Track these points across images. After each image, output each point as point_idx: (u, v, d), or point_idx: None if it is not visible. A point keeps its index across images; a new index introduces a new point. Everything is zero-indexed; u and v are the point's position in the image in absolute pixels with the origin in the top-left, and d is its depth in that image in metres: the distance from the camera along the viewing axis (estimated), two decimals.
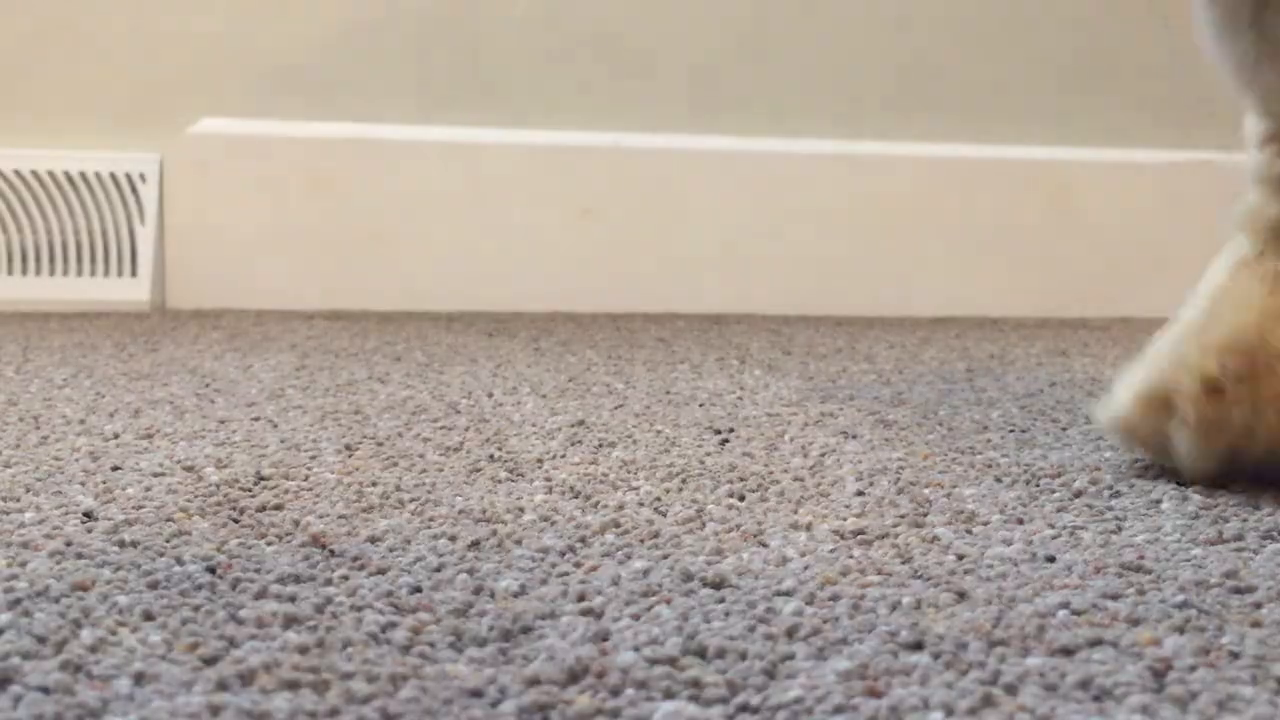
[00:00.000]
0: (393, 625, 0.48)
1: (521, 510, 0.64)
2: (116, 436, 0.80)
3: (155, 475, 0.70)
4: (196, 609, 0.50)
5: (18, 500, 0.65)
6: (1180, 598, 0.52)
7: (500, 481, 0.71)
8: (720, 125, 1.66)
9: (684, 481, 0.71)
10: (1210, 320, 0.69)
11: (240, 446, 0.78)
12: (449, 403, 0.95)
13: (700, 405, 0.95)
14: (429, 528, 0.61)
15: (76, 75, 1.55)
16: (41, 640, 0.46)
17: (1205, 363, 0.68)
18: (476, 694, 0.43)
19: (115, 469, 0.72)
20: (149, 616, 0.49)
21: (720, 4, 1.65)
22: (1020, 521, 0.64)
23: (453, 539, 0.59)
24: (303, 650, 0.46)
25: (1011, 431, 0.87)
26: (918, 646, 0.47)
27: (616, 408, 0.94)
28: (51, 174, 1.54)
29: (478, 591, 0.52)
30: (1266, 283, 0.71)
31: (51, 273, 1.54)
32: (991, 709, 0.42)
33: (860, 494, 0.69)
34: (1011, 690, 0.43)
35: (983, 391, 1.04)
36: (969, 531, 0.62)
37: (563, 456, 0.77)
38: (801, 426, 0.88)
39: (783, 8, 1.66)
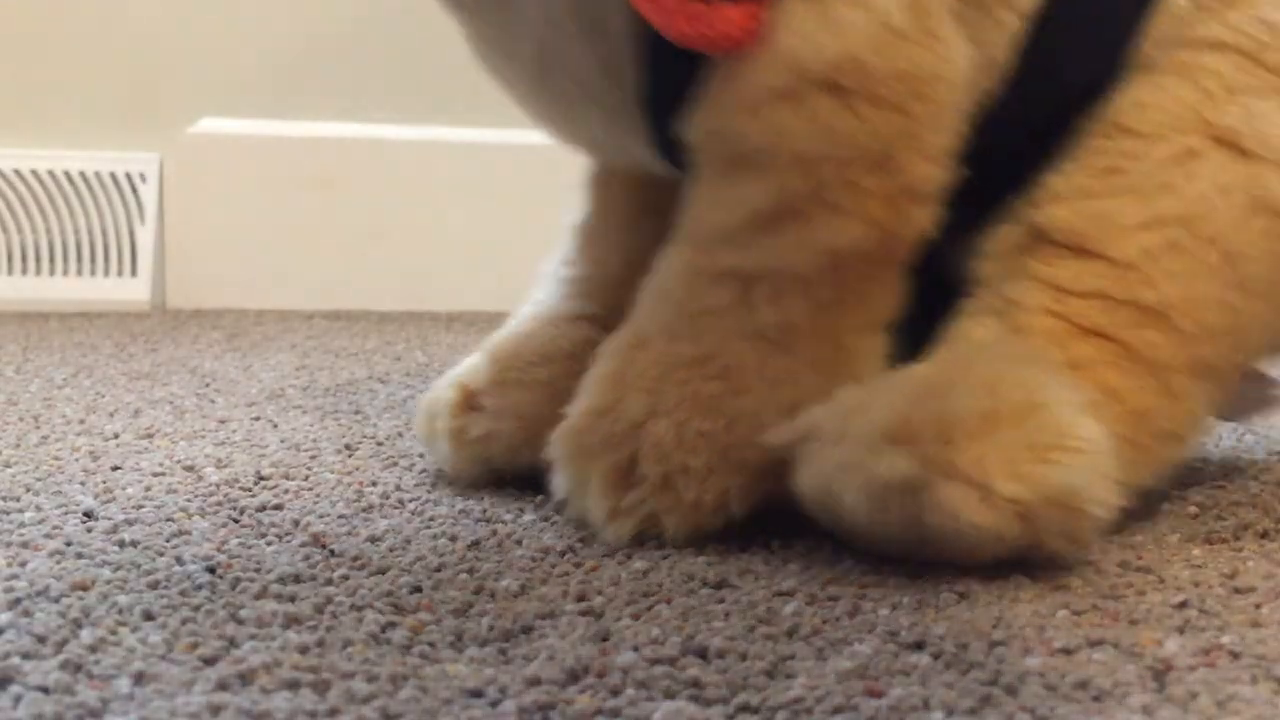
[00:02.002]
0: (393, 625, 0.48)
1: (522, 510, 0.64)
2: (116, 436, 0.80)
3: (155, 475, 0.70)
4: (196, 609, 0.50)
5: (18, 500, 0.65)
6: (1180, 598, 0.52)
7: (500, 482, 0.71)
8: None
9: None
10: (500, 332, 0.72)
11: (240, 446, 0.78)
12: None
13: None
14: (429, 528, 0.61)
15: (76, 75, 1.55)
16: (42, 640, 0.46)
17: (464, 372, 0.70)
18: (477, 694, 0.43)
19: (115, 469, 0.72)
20: (149, 616, 0.49)
21: None
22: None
23: (453, 539, 0.59)
24: (303, 650, 0.46)
25: None
26: (918, 646, 0.47)
27: None
28: (51, 174, 1.54)
29: (478, 591, 0.52)
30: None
31: (51, 273, 1.54)
32: (992, 709, 0.42)
33: None
34: (1011, 690, 0.43)
35: None
36: None
37: None
38: None
39: None
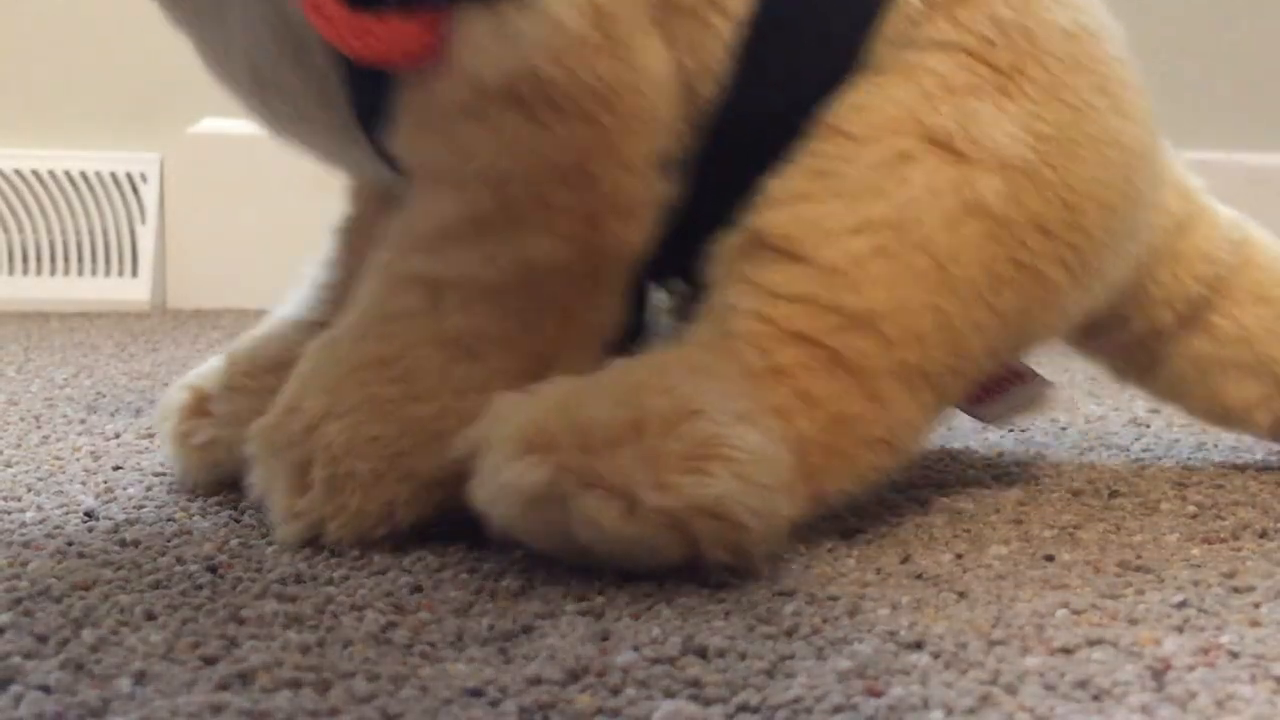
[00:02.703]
0: (394, 625, 0.48)
1: None
2: (118, 436, 0.81)
3: (156, 475, 0.70)
4: (198, 609, 0.50)
5: (19, 500, 0.65)
6: (1179, 597, 0.52)
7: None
8: None
9: None
10: (245, 334, 0.71)
11: None
12: None
13: None
14: (429, 527, 0.61)
15: (77, 75, 1.55)
16: (43, 639, 0.46)
17: (201, 374, 0.69)
18: (477, 693, 0.43)
19: (116, 469, 0.72)
20: (150, 616, 0.49)
21: None
22: (1019, 521, 0.64)
23: (453, 538, 0.59)
24: (304, 650, 0.46)
25: (1010, 431, 0.87)
26: (917, 646, 0.47)
27: None
28: (52, 174, 1.54)
29: (478, 591, 0.52)
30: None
31: (52, 273, 1.54)
32: (991, 708, 0.42)
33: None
34: (1011, 689, 0.43)
35: None
36: (968, 531, 0.62)
37: None
38: None
39: None
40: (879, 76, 0.61)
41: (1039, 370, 0.70)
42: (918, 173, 0.59)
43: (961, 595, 0.53)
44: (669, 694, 0.43)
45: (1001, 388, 0.67)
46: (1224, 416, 0.73)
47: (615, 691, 0.43)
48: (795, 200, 0.60)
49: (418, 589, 0.53)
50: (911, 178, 0.59)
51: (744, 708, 0.42)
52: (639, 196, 0.59)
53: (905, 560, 0.58)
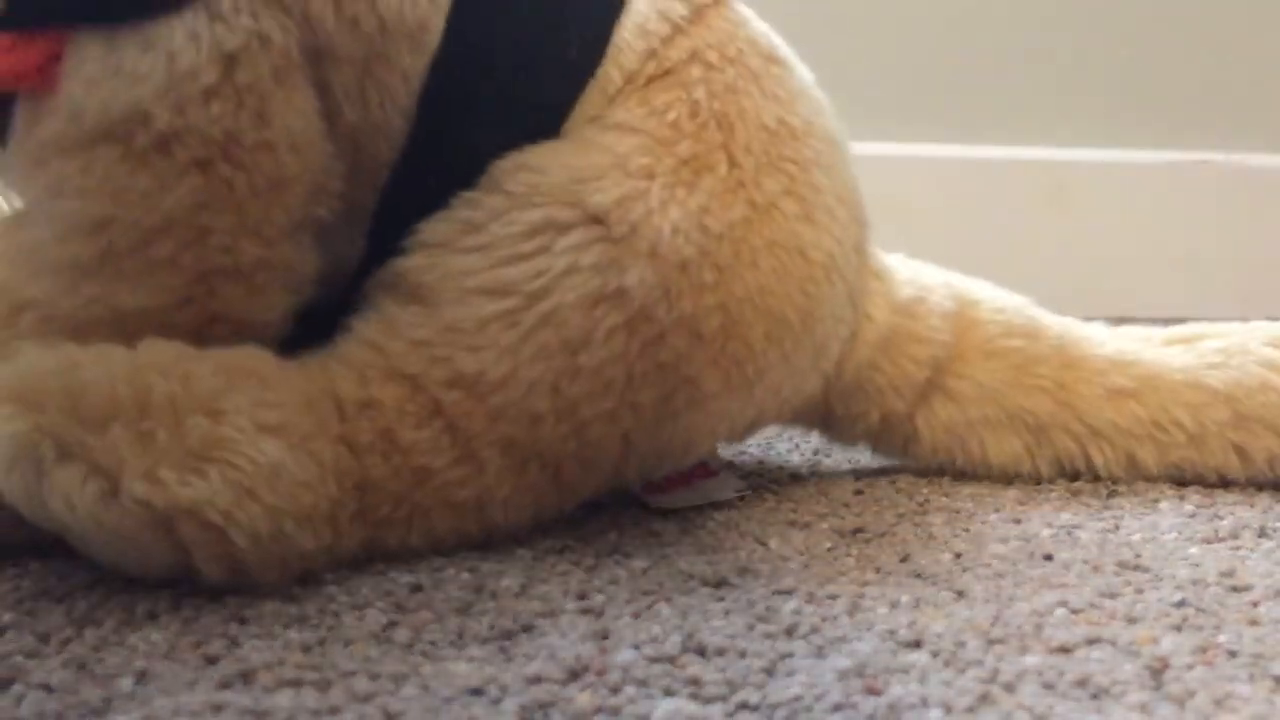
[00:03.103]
0: (394, 624, 0.49)
1: None
2: None
3: None
4: (199, 608, 0.50)
5: None
6: (1178, 596, 0.53)
7: None
8: None
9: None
10: None
11: None
12: None
13: None
14: None
15: None
16: (45, 639, 0.46)
17: None
18: (478, 692, 0.43)
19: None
20: (152, 616, 0.49)
21: None
22: (1018, 520, 0.64)
23: None
24: (305, 649, 0.46)
25: None
26: (916, 645, 0.47)
27: None
28: None
29: (479, 590, 0.53)
30: None
31: None
32: (990, 707, 0.42)
33: (859, 493, 0.69)
34: (1009, 688, 0.44)
35: None
36: (967, 530, 0.63)
37: None
38: None
39: (780, 8, 1.66)
40: (561, 142, 0.59)
41: (727, 467, 0.69)
42: (563, 244, 0.56)
43: (960, 594, 0.53)
44: (669, 692, 0.43)
45: (687, 481, 0.66)
46: (1004, 473, 0.71)
47: (615, 690, 0.43)
48: (440, 248, 0.57)
49: (418, 588, 0.53)
50: (556, 248, 0.56)
51: (743, 706, 0.42)
52: (262, 262, 0.55)
53: (904, 559, 0.58)
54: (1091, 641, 0.48)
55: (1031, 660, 0.46)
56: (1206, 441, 0.70)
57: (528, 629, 0.49)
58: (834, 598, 0.52)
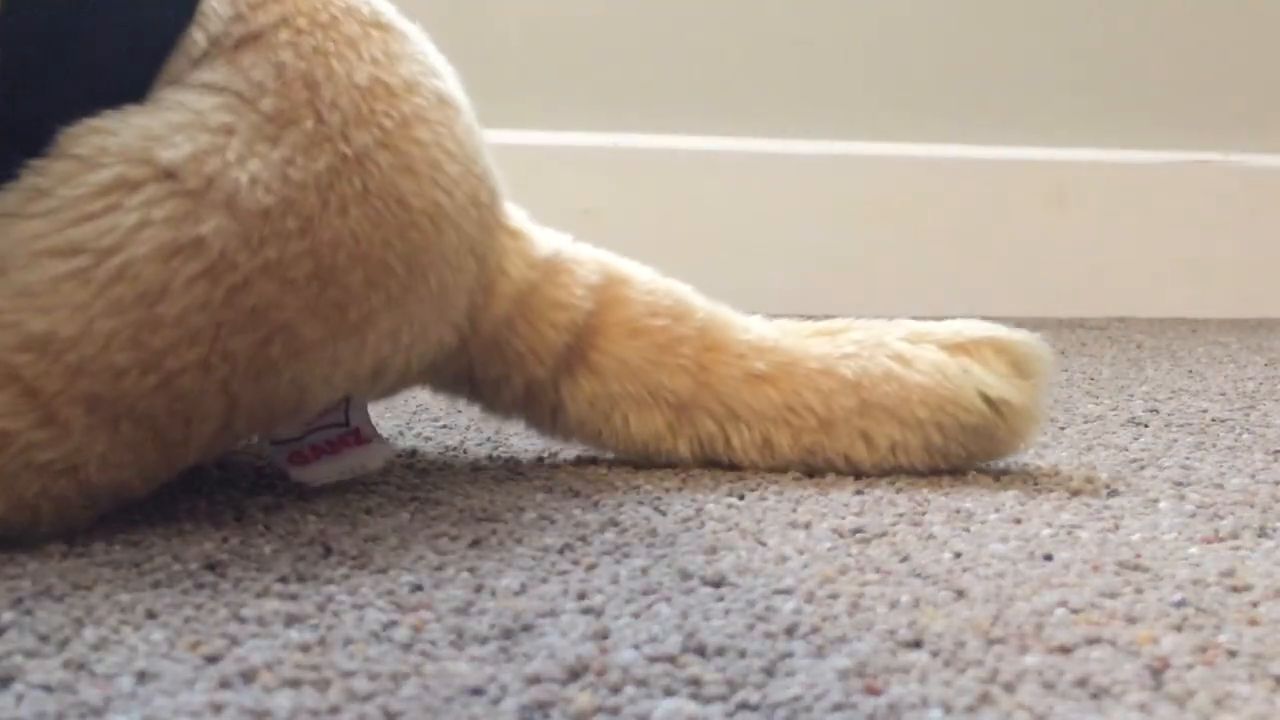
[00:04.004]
0: (394, 623, 0.49)
1: (522, 509, 0.65)
2: None
3: None
4: (198, 608, 0.50)
5: None
6: (1178, 596, 0.53)
7: (501, 481, 0.71)
8: (720, 125, 1.66)
9: (683, 480, 0.71)
10: None
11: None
12: (449, 402, 0.95)
13: None
14: (430, 526, 0.61)
15: None
16: (44, 638, 0.46)
17: None
18: (477, 691, 0.43)
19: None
20: (152, 615, 0.49)
21: (720, 4, 1.65)
22: (1018, 520, 0.64)
23: (453, 538, 0.60)
24: (304, 648, 0.46)
25: None
26: (916, 644, 0.47)
27: None
28: None
29: (479, 589, 0.53)
30: None
31: None
32: (989, 707, 0.42)
33: (859, 493, 0.69)
34: (1009, 688, 0.44)
35: None
36: (967, 530, 0.63)
37: (563, 455, 0.77)
38: None
39: (782, 7, 1.66)
40: (134, 107, 0.59)
41: (380, 431, 0.70)
42: (135, 201, 0.57)
43: (960, 594, 0.53)
44: (669, 692, 0.43)
45: (335, 450, 0.66)
46: (645, 450, 0.72)
47: (615, 690, 0.43)
48: (7, 217, 0.57)
49: (418, 587, 0.53)
50: (126, 205, 0.57)
51: (744, 706, 0.42)
52: None
53: (904, 559, 0.58)
54: (1091, 641, 0.48)
55: (1031, 660, 0.46)
56: (835, 427, 0.72)
57: (528, 628, 0.49)
58: (834, 597, 0.52)
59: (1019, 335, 0.73)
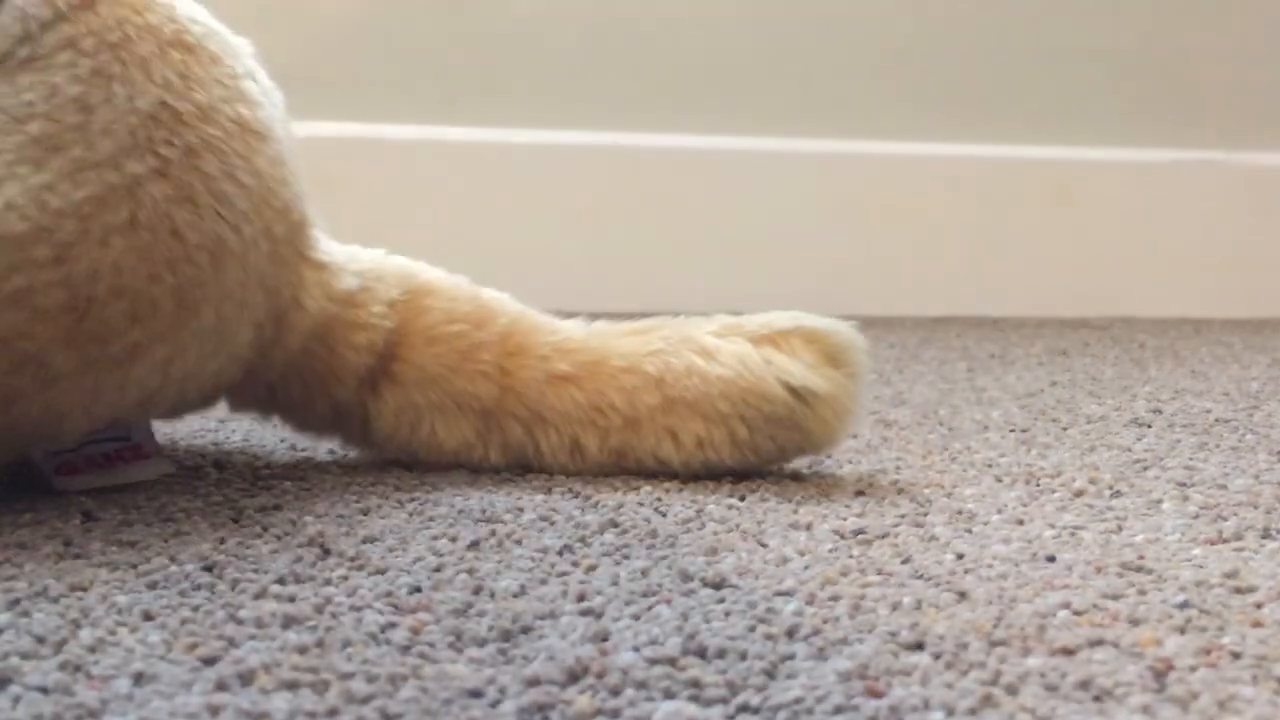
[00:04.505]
0: (392, 625, 0.48)
1: (521, 510, 0.64)
2: None
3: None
4: (195, 609, 0.50)
5: (17, 500, 0.65)
6: (1181, 598, 0.52)
7: (500, 481, 0.71)
8: (721, 125, 1.66)
9: (684, 481, 0.71)
10: None
11: (239, 447, 0.78)
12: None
13: None
14: (428, 528, 0.61)
15: None
16: (41, 640, 0.46)
17: None
18: (476, 694, 0.42)
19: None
20: (148, 616, 0.49)
21: (720, 3, 1.65)
22: (1020, 521, 0.64)
23: (452, 539, 0.59)
24: (302, 650, 0.46)
25: (1012, 431, 0.87)
26: (918, 646, 0.47)
27: None
28: None
29: (477, 591, 0.52)
30: None
31: None
32: (992, 709, 0.42)
33: (860, 494, 0.69)
34: (1012, 690, 0.43)
35: (983, 391, 1.04)
36: (969, 531, 0.62)
37: None
38: None
39: (782, 7, 1.66)
40: None
41: (160, 448, 0.70)
42: None
43: (962, 595, 0.53)
44: (669, 695, 0.43)
45: (111, 463, 0.65)
46: (458, 459, 0.72)
47: (615, 692, 0.43)
48: None
49: (416, 589, 0.52)
50: None
51: (744, 708, 0.42)
52: None
53: (906, 560, 0.58)
54: (1094, 643, 0.47)
55: (1034, 662, 0.45)
56: (641, 425, 0.71)
57: (527, 630, 0.48)
58: (835, 599, 0.52)
59: (831, 324, 0.72)
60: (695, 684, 0.43)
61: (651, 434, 0.71)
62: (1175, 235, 1.72)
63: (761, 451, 0.71)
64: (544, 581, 0.54)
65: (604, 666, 0.44)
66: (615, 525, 0.62)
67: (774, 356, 0.70)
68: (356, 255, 0.74)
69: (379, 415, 0.72)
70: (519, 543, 0.59)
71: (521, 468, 0.72)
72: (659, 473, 0.71)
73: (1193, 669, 0.45)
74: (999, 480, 0.72)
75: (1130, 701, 0.42)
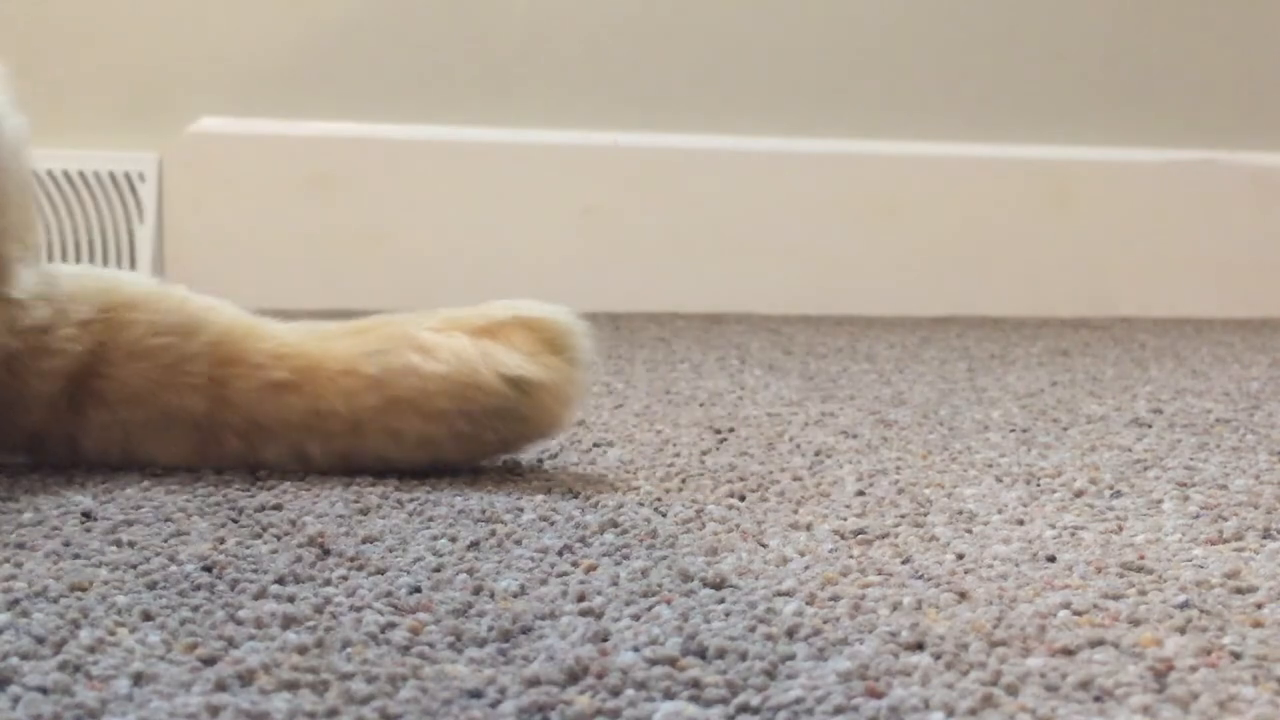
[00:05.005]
0: (392, 625, 0.48)
1: (521, 510, 0.64)
2: None
3: (154, 475, 0.70)
4: (195, 609, 0.49)
5: (17, 500, 0.65)
6: (1181, 598, 0.52)
7: (500, 481, 0.71)
8: (720, 125, 1.66)
9: (684, 481, 0.71)
10: None
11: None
12: None
13: (700, 405, 0.95)
14: (428, 528, 0.61)
15: (75, 74, 1.55)
16: (40, 640, 0.46)
17: None
18: (476, 694, 0.42)
19: (114, 469, 0.72)
20: (148, 617, 0.49)
21: (720, 3, 1.65)
22: (1020, 521, 0.64)
23: (452, 539, 0.59)
24: (302, 650, 0.46)
25: (1012, 431, 0.87)
26: (918, 647, 0.47)
27: (616, 407, 0.94)
28: (50, 173, 1.54)
29: (477, 591, 0.52)
30: None
31: None
32: (992, 709, 0.42)
33: (860, 494, 0.69)
34: (1012, 691, 0.43)
35: (983, 391, 1.04)
36: (969, 531, 0.62)
37: (562, 456, 0.77)
38: (801, 426, 0.87)
39: (782, 7, 1.66)
40: None
41: None
42: None
43: (963, 596, 0.52)
44: (669, 695, 0.43)
45: None
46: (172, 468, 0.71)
47: (615, 692, 0.43)
48: None
49: (416, 589, 0.52)
50: None
51: (744, 709, 0.42)
52: None
53: (906, 560, 0.57)
54: (1095, 643, 0.47)
55: (1034, 662, 0.45)
56: (363, 428, 0.70)
57: (527, 630, 0.48)
58: (835, 599, 0.52)
59: (549, 311, 0.72)
60: (695, 684, 0.43)
61: (374, 436, 0.70)
62: (1175, 235, 1.72)
63: (485, 445, 0.71)
64: (544, 581, 0.54)
65: (604, 667, 0.44)
66: (615, 525, 0.62)
67: (490, 349, 0.70)
68: (54, 279, 0.72)
69: (85, 435, 0.71)
70: (519, 543, 0.59)
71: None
72: (381, 473, 0.70)
73: (1193, 669, 0.45)
74: (999, 480, 0.72)
75: (1131, 702, 0.42)
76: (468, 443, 0.71)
